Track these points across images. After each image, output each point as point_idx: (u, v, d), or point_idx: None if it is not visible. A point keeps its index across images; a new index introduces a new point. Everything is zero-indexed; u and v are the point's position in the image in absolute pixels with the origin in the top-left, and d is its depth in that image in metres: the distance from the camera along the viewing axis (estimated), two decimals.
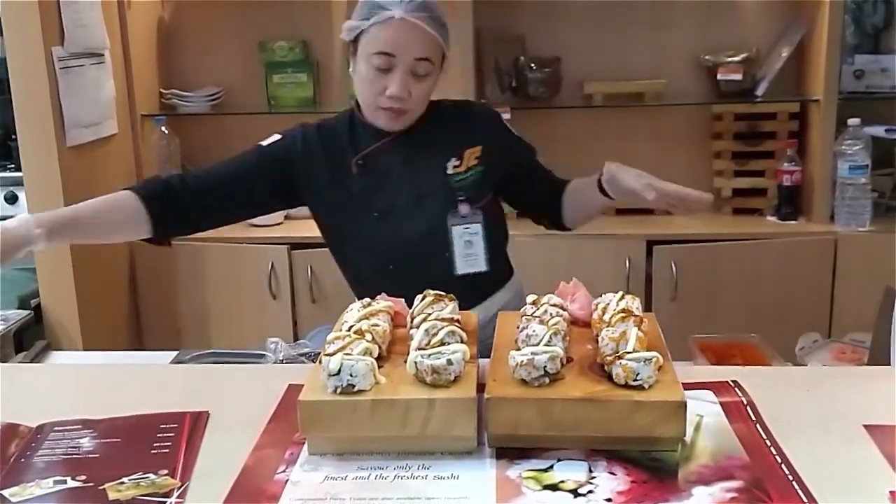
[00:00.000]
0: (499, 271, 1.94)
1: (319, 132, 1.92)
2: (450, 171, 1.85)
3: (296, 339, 3.10)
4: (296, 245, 3.13)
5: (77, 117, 2.86)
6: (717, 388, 1.37)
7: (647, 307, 3.04)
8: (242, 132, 3.48)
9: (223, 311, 3.19)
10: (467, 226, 1.83)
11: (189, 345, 3.13)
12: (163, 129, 3.19)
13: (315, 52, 3.44)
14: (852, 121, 2.95)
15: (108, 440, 1.24)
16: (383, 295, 1.43)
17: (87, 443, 1.24)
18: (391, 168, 1.86)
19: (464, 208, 1.83)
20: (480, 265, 1.85)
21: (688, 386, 1.31)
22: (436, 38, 1.78)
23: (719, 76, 3.16)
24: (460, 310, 1.39)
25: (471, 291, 1.76)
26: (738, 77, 3.13)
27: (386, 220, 1.84)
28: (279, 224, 3.30)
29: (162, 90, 3.39)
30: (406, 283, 1.55)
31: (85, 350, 2.83)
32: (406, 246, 1.84)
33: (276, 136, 1.96)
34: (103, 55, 3.04)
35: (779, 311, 2.96)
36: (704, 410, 1.29)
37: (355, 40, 1.81)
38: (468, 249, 1.83)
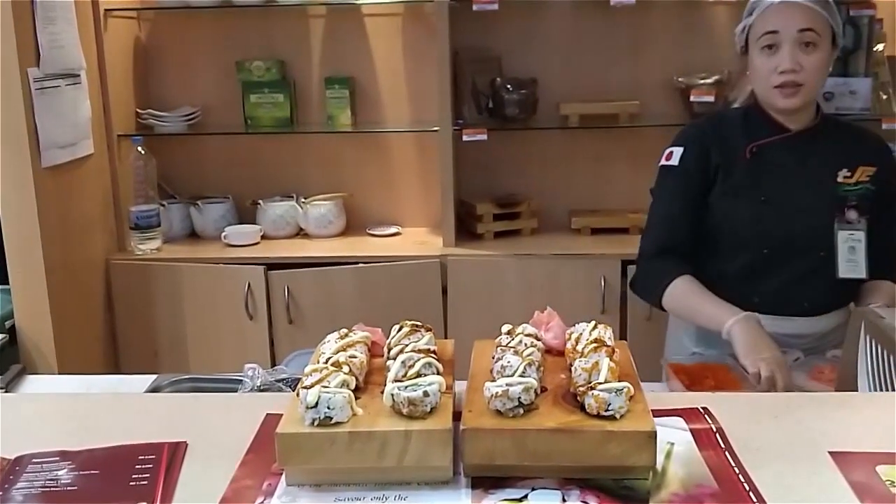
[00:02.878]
0: (853, 284, 2.02)
1: (712, 123, 2.08)
2: (840, 180, 1.96)
3: (273, 359, 3.12)
4: (272, 265, 3.14)
5: (53, 138, 2.86)
6: (687, 414, 1.39)
7: (623, 326, 3.07)
8: (219, 152, 3.52)
9: (200, 331, 3.19)
10: (852, 232, 1.93)
11: (166, 366, 3.14)
12: (139, 149, 3.19)
13: (292, 72, 3.46)
14: None
15: (86, 472, 1.25)
16: (360, 325, 1.44)
17: (65, 475, 1.24)
18: (784, 161, 1.97)
19: (851, 214, 1.94)
20: (860, 272, 1.95)
21: (659, 413, 1.33)
22: (817, 10, 1.87)
23: (692, 98, 3.21)
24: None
25: (837, 295, 1.95)
26: (711, 99, 3.18)
27: (772, 206, 1.96)
28: (256, 244, 3.32)
29: (139, 110, 3.39)
30: (778, 271, 1.93)
31: (61, 373, 2.82)
32: (787, 234, 1.96)
33: (679, 150, 2.05)
34: (79, 75, 3.04)
35: None
36: (675, 438, 1.32)
37: (746, 42, 1.96)
38: (851, 255, 1.93)
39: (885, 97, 3.22)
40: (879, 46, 3.22)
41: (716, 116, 2.13)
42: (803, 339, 2.01)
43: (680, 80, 3.28)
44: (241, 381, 1.85)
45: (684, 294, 1.98)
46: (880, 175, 1.99)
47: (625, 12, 3.22)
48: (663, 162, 2.08)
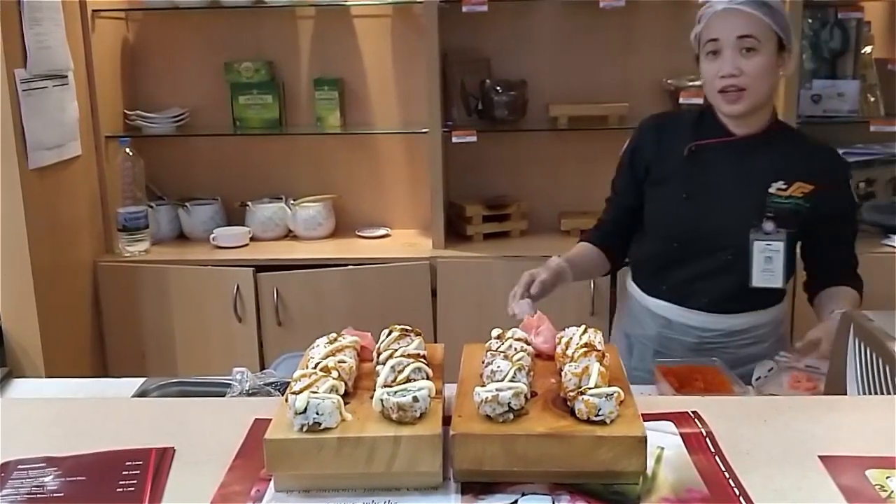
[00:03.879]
0: (773, 295, 2.07)
1: (664, 119, 2.19)
2: (772, 190, 1.97)
3: (262, 362, 3.11)
4: (261, 267, 3.13)
5: (40, 139, 2.84)
6: (677, 418, 1.39)
7: (612, 329, 3.06)
8: (208, 154, 3.50)
9: (188, 334, 3.17)
10: (769, 242, 1.96)
11: (154, 369, 3.12)
12: (127, 150, 3.18)
13: (281, 73, 3.45)
14: None
15: (72, 478, 1.24)
16: (350, 329, 1.44)
17: (51, 482, 1.23)
18: (718, 163, 2.01)
19: (768, 225, 1.96)
20: (776, 282, 1.99)
21: (649, 417, 1.33)
22: (757, 16, 1.90)
23: (681, 100, 3.21)
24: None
25: (748, 301, 1.99)
26: (700, 101, 3.17)
27: (691, 203, 2.01)
28: (244, 246, 3.31)
29: (126, 111, 3.37)
30: (685, 264, 2.01)
31: (48, 376, 2.80)
32: (698, 232, 2.01)
33: (627, 142, 2.18)
34: (67, 77, 3.02)
35: None
36: (665, 442, 1.31)
37: (698, 48, 2.00)
38: (767, 265, 1.96)
39: (872, 99, 3.23)
40: (867, 49, 3.23)
41: (672, 114, 2.22)
42: (706, 332, 2.07)
43: (669, 81, 3.28)
44: (230, 384, 1.84)
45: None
46: (820, 193, 1.99)
47: (614, 14, 3.22)
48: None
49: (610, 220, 2.20)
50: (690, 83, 3.21)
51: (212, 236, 3.31)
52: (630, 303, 2.20)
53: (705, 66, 1.96)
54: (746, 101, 1.93)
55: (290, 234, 3.43)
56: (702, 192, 2.01)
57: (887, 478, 1.19)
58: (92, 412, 1.50)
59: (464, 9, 3.08)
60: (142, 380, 1.91)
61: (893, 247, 3.03)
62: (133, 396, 1.81)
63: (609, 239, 2.18)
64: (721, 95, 1.94)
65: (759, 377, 1.88)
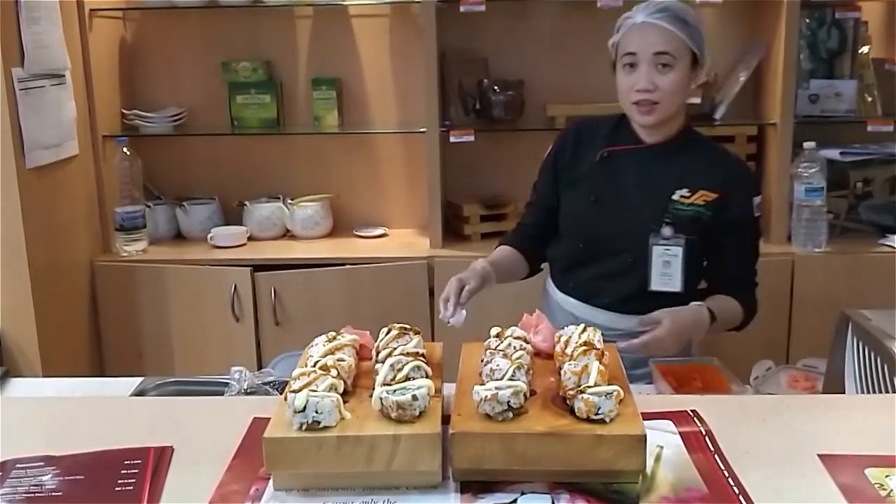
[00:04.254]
0: (681, 301, 2.03)
1: (582, 125, 2.21)
2: (675, 197, 2.02)
3: (259, 362, 3.10)
4: (259, 267, 3.12)
5: (37, 139, 2.84)
6: (676, 417, 1.39)
7: None
8: (205, 153, 3.50)
9: (186, 333, 3.17)
10: (668, 247, 2.00)
11: (152, 368, 3.12)
12: (125, 150, 3.17)
13: (279, 72, 3.44)
14: (808, 144, 3.01)
15: (71, 477, 1.24)
16: (348, 327, 1.44)
17: (49, 480, 1.23)
18: (628, 169, 2.06)
19: (666, 230, 2.00)
20: (675, 286, 2.02)
21: (648, 416, 1.33)
22: (674, 33, 1.94)
23: None
24: None
25: (648, 304, 1.95)
26: (697, 100, 3.18)
27: (598, 207, 2.07)
28: (242, 245, 3.30)
29: (124, 111, 3.36)
30: (589, 264, 2.08)
31: (45, 375, 2.79)
32: (602, 234, 2.07)
33: (550, 147, 2.22)
34: (64, 76, 3.01)
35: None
36: (665, 441, 1.32)
37: (615, 57, 2.03)
38: (665, 269, 2.01)
39: (869, 99, 3.23)
40: (864, 49, 3.23)
41: (593, 119, 2.22)
42: (608, 331, 1.99)
43: None
44: (228, 383, 1.84)
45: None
46: (723, 203, 2.02)
47: (612, 14, 3.17)
48: None
49: (531, 223, 2.24)
50: None
51: (209, 236, 3.30)
52: (547, 298, 2.26)
53: (621, 76, 2.00)
54: (658, 114, 1.98)
55: (287, 234, 3.42)
56: (609, 196, 2.06)
57: (887, 476, 1.19)
58: (90, 411, 1.50)
59: (461, 8, 3.07)
60: (139, 379, 1.90)
61: (890, 246, 3.03)
62: (131, 396, 1.81)
63: (529, 242, 2.22)
64: (635, 107, 1.99)
65: (757, 376, 1.89)
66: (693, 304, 1.96)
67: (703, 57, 1.99)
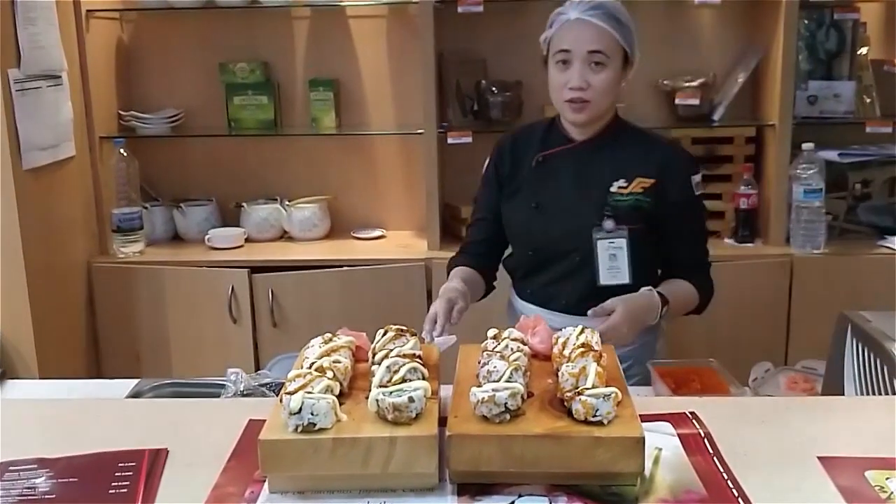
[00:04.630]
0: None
1: (517, 134, 2.20)
2: (613, 189, 2.01)
3: (257, 363, 3.09)
4: (256, 268, 3.11)
5: (34, 140, 2.83)
6: (675, 419, 1.39)
7: None
8: (203, 154, 3.49)
9: (183, 335, 3.16)
10: (612, 240, 2.00)
11: (149, 370, 3.11)
12: (122, 151, 3.16)
13: (276, 74, 3.43)
14: (806, 145, 3.01)
15: (64, 480, 1.23)
16: (345, 329, 1.43)
17: (43, 483, 1.22)
18: (564, 170, 2.05)
19: (608, 223, 1.99)
20: (623, 278, 2.00)
21: (646, 418, 1.32)
22: (608, 31, 1.93)
23: (677, 101, 3.20)
24: None
25: (604, 299, 1.91)
26: (696, 102, 3.18)
27: (540, 211, 2.05)
28: (239, 247, 3.29)
29: (121, 112, 3.35)
30: (542, 270, 2.08)
31: (42, 377, 2.78)
32: (549, 237, 2.05)
33: (488, 159, 2.21)
34: (61, 77, 3.00)
35: (737, 332, 3.00)
36: (663, 443, 1.31)
37: (547, 51, 2.02)
38: (612, 262, 2.01)
39: (868, 100, 3.22)
40: (863, 50, 3.22)
41: (527, 127, 2.21)
42: None
43: (665, 82, 3.27)
44: (224, 385, 1.83)
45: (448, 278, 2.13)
46: (661, 187, 2.01)
47: None
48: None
49: (481, 240, 2.19)
50: (686, 84, 3.21)
51: (207, 237, 3.29)
52: (510, 307, 2.24)
53: (554, 73, 1.99)
54: (590, 112, 1.97)
55: (285, 236, 3.41)
56: (549, 200, 2.05)
57: (887, 479, 1.19)
58: (85, 413, 1.49)
59: (459, 9, 3.07)
60: (135, 381, 1.89)
61: (889, 247, 3.03)
62: (127, 398, 1.80)
63: (483, 260, 2.17)
64: (567, 104, 1.97)
65: (756, 378, 1.88)
66: (643, 289, 1.95)
67: (634, 55, 1.98)
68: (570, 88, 1.94)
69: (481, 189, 2.21)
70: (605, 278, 2.01)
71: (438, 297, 1.93)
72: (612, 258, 2.00)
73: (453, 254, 2.24)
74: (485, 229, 2.18)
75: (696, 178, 2.07)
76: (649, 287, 1.97)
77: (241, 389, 1.78)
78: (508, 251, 2.20)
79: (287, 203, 3.37)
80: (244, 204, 3.38)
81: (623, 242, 2.00)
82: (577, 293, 2.05)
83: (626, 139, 2.07)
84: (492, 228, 2.17)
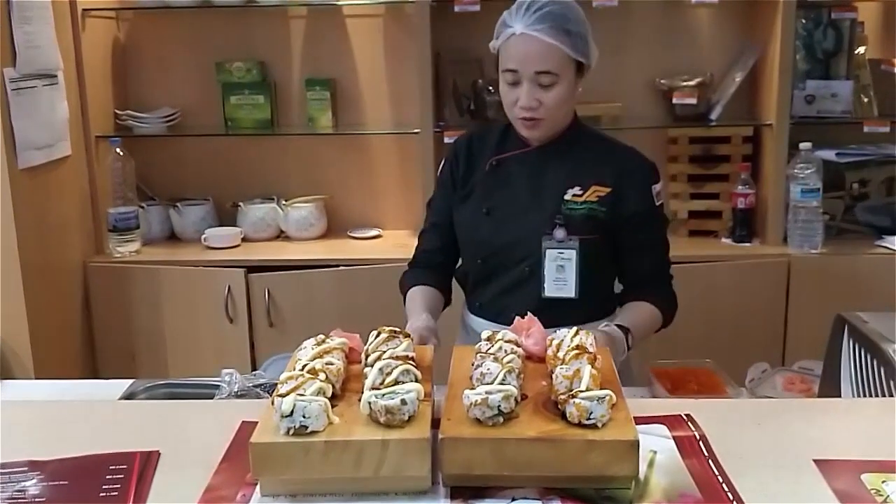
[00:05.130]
0: (593, 307, 1.96)
1: (473, 136, 2.09)
2: (567, 197, 1.92)
3: (253, 363, 3.08)
4: (253, 268, 3.11)
5: (29, 139, 2.82)
6: (670, 422, 1.38)
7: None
8: (199, 154, 3.48)
9: (179, 335, 3.15)
10: (561, 251, 1.90)
11: (144, 370, 3.10)
12: (118, 150, 3.15)
13: (273, 73, 3.42)
14: (804, 145, 3.00)
15: (55, 483, 1.22)
16: (338, 330, 1.42)
17: (33, 486, 1.21)
18: (517, 175, 1.96)
19: (559, 233, 1.89)
20: (569, 291, 1.91)
21: (641, 420, 1.32)
22: (557, 47, 1.81)
23: (674, 100, 3.20)
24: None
25: (555, 314, 1.79)
26: (693, 101, 3.17)
27: (491, 217, 1.95)
28: (236, 247, 3.28)
29: (117, 111, 3.34)
30: (492, 280, 1.96)
31: (37, 377, 2.77)
32: (498, 245, 1.95)
33: (444, 161, 2.10)
34: (56, 76, 2.99)
35: (734, 332, 2.99)
36: (658, 446, 1.30)
37: (498, 59, 1.92)
38: (559, 273, 1.91)
39: (865, 100, 3.22)
40: (861, 49, 3.21)
41: (481, 130, 2.13)
42: None
43: (662, 82, 3.26)
44: (219, 386, 1.82)
45: (408, 300, 2.04)
46: (618, 196, 1.92)
47: (607, 14, 3.20)
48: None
49: (437, 248, 2.07)
50: (684, 83, 3.20)
51: (203, 237, 3.28)
52: (462, 323, 2.13)
53: (504, 88, 1.89)
54: (543, 129, 1.89)
55: (281, 235, 3.40)
56: (501, 205, 1.96)
57: (883, 482, 1.18)
58: (77, 415, 1.48)
59: (456, 8, 3.06)
60: (129, 381, 1.88)
61: (886, 247, 3.02)
62: (120, 398, 1.79)
63: (439, 272, 2.06)
64: (520, 121, 1.89)
65: (753, 378, 1.87)
66: (603, 327, 1.81)
67: (590, 60, 1.87)
68: (521, 108, 1.85)
69: (436, 191, 2.11)
70: (550, 290, 1.91)
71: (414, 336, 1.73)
72: (560, 269, 1.90)
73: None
74: (439, 236, 2.06)
75: (657, 187, 1.96)
76: (606, 323, 1.86)
77: (236, 390, 1.77)
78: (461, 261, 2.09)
79: (284, 202, 3.36)
80: (241, 203, 3.38)
81: (573, 254, 1.89)
82: (525, 306, 1.84)
83: (584, 145, 1.97)
84: (447, 235, 2.05)
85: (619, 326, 1.82)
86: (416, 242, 2.24)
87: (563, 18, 1.82)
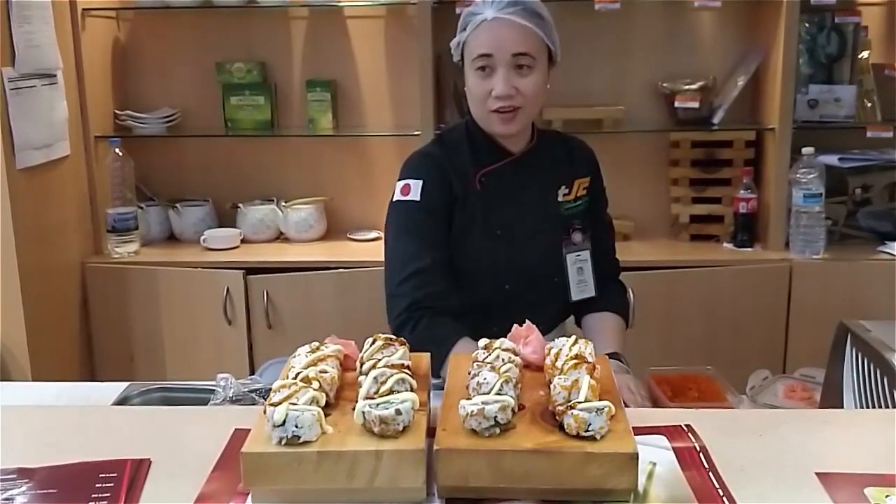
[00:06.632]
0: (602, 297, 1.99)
1: (443, 149, 1.93)
2: (560, 199, 1.92)
3: (252, 365, 3.07)
4: (252, 270, 3.09)
5: (28, 139, 2.80)
6: (670, 432, 1.36)
7: None
8: (199, 155, 3.47)
9: (177, 337, 3.13)
10: (579, 253, 1.91)
11: (143, 372, 3.09)
12: (117, 150, 3.14)
13: (273, 74, 3.41)
14: (806, 149, 2.98)
15: (44, 491, 1.20)
16: (333, 337, 1.40)
17: (21, 494, 1.19)
18: (511, 188, 1.89)
19: (577, 236, 1.91)
20: (590, 291, 1.94)
21: (641, 430, 1.30)
22: (532, 29, 1.77)
23: (677, 104, 3.18)
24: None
25: (564, 314, 1.88)
26: (696, 105, 3.15)
27: (504, 239, 1.87)
28: (235, 248, 3.27)
29: (117, 111, 3.33)
30: (520, 303, 1.80)
31: (35, 379, 2.76)
32: (523, 266, 1.88)
33: (418, 182, 1.87)
34: (56, 76, 2.98)
35: (735, 338, 2.98)
36: (657, 457, 1.28)
37: (462, 57, 1.85)
38: (580, 276, 1.91)
39: (869, 105, 3.20)
40: (864, 54, 3.20)
41: (443, 141, 1.97)
42: None
43: (664, 85, 3.25)
44: (214, 391, 1.80)
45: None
46: (592, 184, 1.97)
47: (609, 17, 3.19)
48: (400, 197, 1.88)
49: (446, 289, 1.83)
50: (686, 87, 3.19)
51: (202, 238, 3.27)
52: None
53: (474, 81, 1.79)
54: (520, 121, 1.81)
55: (281, 237, 3.39)
56: (509, 224, 1.87)
57: (887, 496, 1.16)
58: (68, 421, 1.46)
59: (457, 10, 3.04)
60: (125, 384, 1.87)
61: (889, 253, 3.00)
62: (114, 402, 1.77)
63: (456, 312, 1.83)
64: (495, 115, 1.79)
65: (754, 386, 1.85)
66: (615, 369, 1.63)
67: (558, 53, 1.83)
68: (497, 97, 1.76)
69: (421, 223, 1.85)
70: (576, 293, 1.92)
71: None
72: (580, 272, 1.91)
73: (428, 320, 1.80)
74: (443, 275, 1.83)
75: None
76: (607, 359, 1.71)
77: (231, 395, 1.75)
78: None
79: (283, 204, 3.35)
80: (240, 205, 3.36)
81: (587, 254, 1.91)
82: (552, 317, 1.90)
83: (551, 144, 1.95)
84: (450, 271, 1.85)
85: (612, 355, 1.78)
86: None
87: (533, 3, 1.80)
